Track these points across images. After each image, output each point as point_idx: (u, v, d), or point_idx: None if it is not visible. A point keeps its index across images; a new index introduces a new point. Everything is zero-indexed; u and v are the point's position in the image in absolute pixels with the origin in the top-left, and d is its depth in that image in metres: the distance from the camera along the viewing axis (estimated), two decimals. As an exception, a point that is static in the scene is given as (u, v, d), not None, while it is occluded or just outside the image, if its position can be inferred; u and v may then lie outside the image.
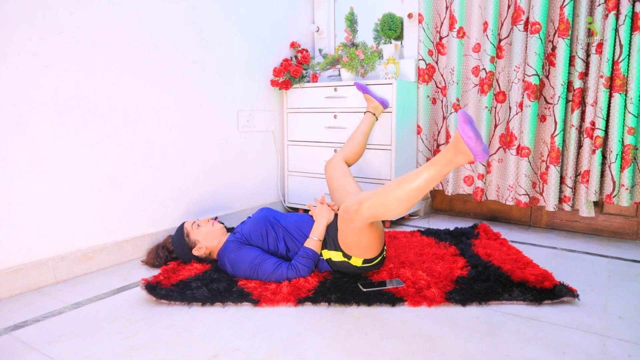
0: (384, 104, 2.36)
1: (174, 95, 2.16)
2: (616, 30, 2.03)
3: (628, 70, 2.04)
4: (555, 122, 2.25)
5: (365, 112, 2.37)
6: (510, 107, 2.38)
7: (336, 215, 1.78)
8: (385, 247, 1.79)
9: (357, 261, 1.69)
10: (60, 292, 1.66)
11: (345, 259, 1.70)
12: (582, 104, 2.24)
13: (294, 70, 2.63)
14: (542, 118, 2.36)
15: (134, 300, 1.58)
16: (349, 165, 2.15)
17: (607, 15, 2.04)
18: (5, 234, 1.62)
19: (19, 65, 1.61)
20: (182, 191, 2.23)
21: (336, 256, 1.72)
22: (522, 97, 2.33)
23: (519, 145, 2.37)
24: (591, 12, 2.15)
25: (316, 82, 2.75)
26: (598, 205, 2.36)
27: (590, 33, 2.14)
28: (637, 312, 1.46)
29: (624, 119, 2.06)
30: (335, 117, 2.59)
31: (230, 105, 2.48)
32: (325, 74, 2.89)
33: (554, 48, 2.27)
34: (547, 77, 2.33)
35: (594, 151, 2.16)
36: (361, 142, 2.25)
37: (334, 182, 2.04)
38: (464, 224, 2.55)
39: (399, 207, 1.49)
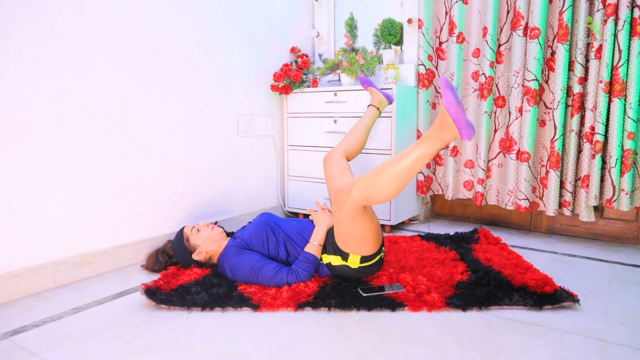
0: (389, 99, 2.24)
1: (174, 100, 2.17)
2: (615, 36, 2.04)
3: (627, 75, 2.04)
4: (555, 127, 2.25)
5: (368, 106, 2.23)
6: (509, 112, 2.38)
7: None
8: (383, 248, 1.78)
9: (354, 260, 1.68)
10: (59, 297, 1.66)
11: (344, 262, 1.70)
12: (582, 108, 2.24)
13: (294, 75, 2.64)
14: (542, 123, 2.37)
15: (134, 305, 1.58)
16: (348, 160, 2.05)
17: (606, 21, 2.05)
18: (5, 238, 1.62)
19: (20, 70, 1.62)
20: (182, 196, 2.23)
21: (336, 260, 1.72)
22: (522, 102, 2.33)
23: (518, 150, 2.38)
24: (590, 18, 2.16)
25: (316, 87, 2.76)
26: (598, 210, 2.36)
27: (589, 33, 2.14)
28: (637, 317, 1.45)
29: (623, 124, 2.07)
30: (335, 121, 2.59)
31: (231, 110, 2.49)
32: (325, 78, 2.90)
33: (553, 53, 2.27)
34: (546, 82, 2.33)
35: (593, 156, 2.16)
36: (362, 136, 2.12)
37: (334, 181, 1.96)
38: (464, 228, 2.55)
39: (389, 187, 1.49)
